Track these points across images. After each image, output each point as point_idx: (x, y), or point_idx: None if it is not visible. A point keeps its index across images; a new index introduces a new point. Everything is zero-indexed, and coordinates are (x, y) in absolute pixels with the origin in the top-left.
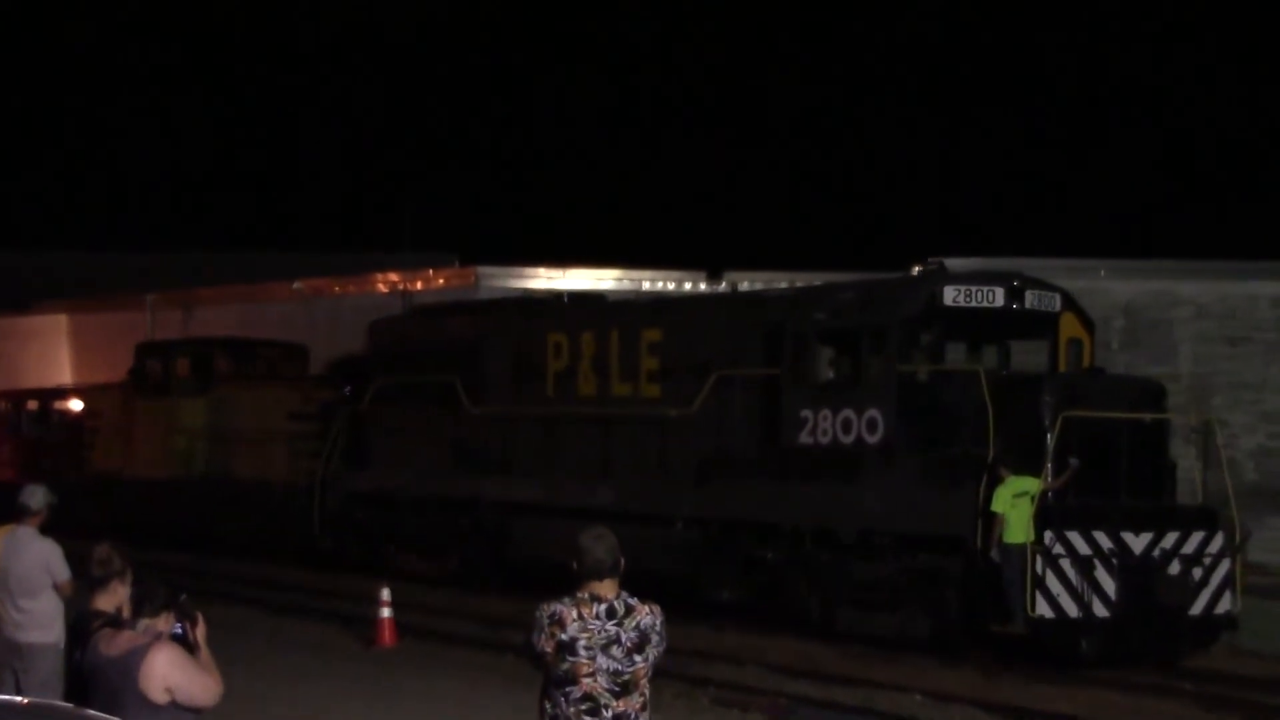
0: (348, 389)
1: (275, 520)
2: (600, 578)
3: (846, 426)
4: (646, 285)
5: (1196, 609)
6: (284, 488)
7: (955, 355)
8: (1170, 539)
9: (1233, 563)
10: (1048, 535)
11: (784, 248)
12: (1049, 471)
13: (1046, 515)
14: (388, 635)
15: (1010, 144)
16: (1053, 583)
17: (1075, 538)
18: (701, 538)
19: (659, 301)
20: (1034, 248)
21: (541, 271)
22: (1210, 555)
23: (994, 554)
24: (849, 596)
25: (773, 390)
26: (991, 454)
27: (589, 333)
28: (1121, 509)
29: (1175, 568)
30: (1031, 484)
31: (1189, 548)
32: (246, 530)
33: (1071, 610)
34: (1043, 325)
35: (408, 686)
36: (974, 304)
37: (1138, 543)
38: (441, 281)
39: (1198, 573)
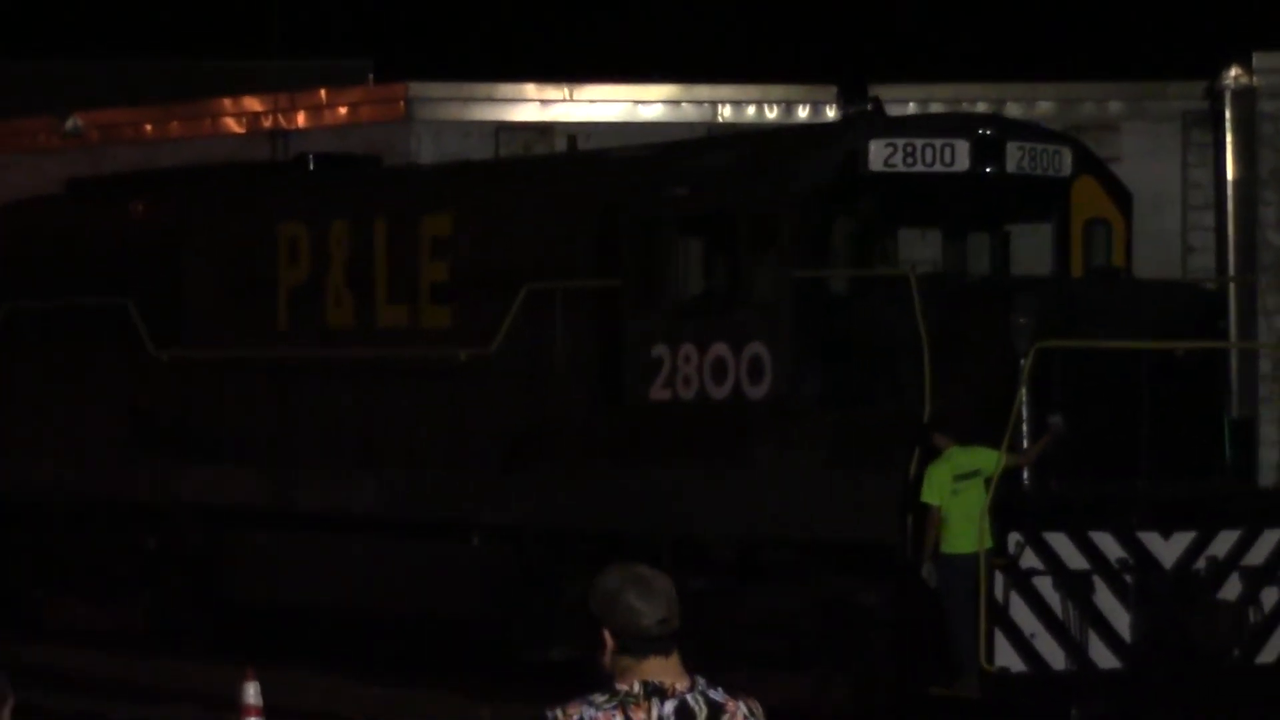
0: None
1: None
2: (665, 652)
3: (719, 371)
4: (727, 114)
5: (1269, 655)
6: None
7: (917, 253)
8: (1224, 542)
9: None
10: (1013, 540)
11: (972, 48)
12: (1022, 436)
13: (1012, 508)
14: None
15: None
16: (1023, 616)
17: (1061, 542)
18: (513, 559)
19: (450, 170)
20: None
21: (529, 90)
22: None
23: (926, 571)
24: (733, 647)
25: (610, 313)
26: (927, 410)
27: (342, 221)
28: (1141, 496)
29: (1233, 589)
30: (985, 458)
31: (1256, 556)
32: None
33: (1055, 659)
34: (1042, 200)
35: None
36: (921, 168)
37: (1168, 549)
38: (343, 111)
39: (1272, 596)
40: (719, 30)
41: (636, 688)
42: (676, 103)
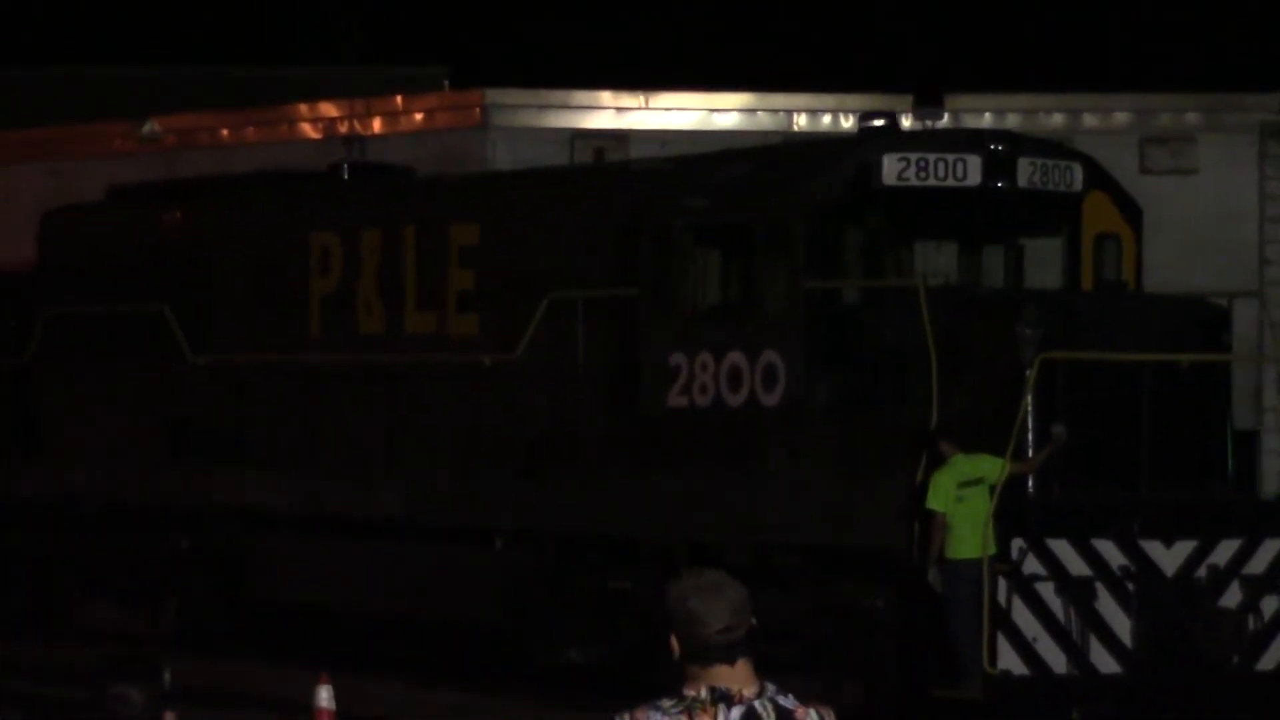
0: (10, 325)
1: None
2: (729, 660)
3: (735, 379)
4: (802, 122)
5: (1269, 662)
6: None
7: (932, 265)
8: (1225, 550)
9: None
10: (1017, 546)
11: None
12: (1026, 445)
13: (1016, 514)
14: None
15: None
16: (1026, 620)
17: (1064, 549)
18: (533, 563)
19: (478, 180)
20: None
21: (605, 98)
22: None
23: (931, 576)
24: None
25: (629, 322)
26: (933, 418)
27: (373, 230)
28: (1142, 503)
29: (1234, 596)
30: (989, 466)
31: (1258, 564)
32: None
33: (1057, 663)
34: (1053, 214)
35: None
36: (933, 182)
37: (1170, 557)
38: (419, 118)
39: (1272, 604)
40: (795, 39)
41: (704, 693)
42: (752, 111)
